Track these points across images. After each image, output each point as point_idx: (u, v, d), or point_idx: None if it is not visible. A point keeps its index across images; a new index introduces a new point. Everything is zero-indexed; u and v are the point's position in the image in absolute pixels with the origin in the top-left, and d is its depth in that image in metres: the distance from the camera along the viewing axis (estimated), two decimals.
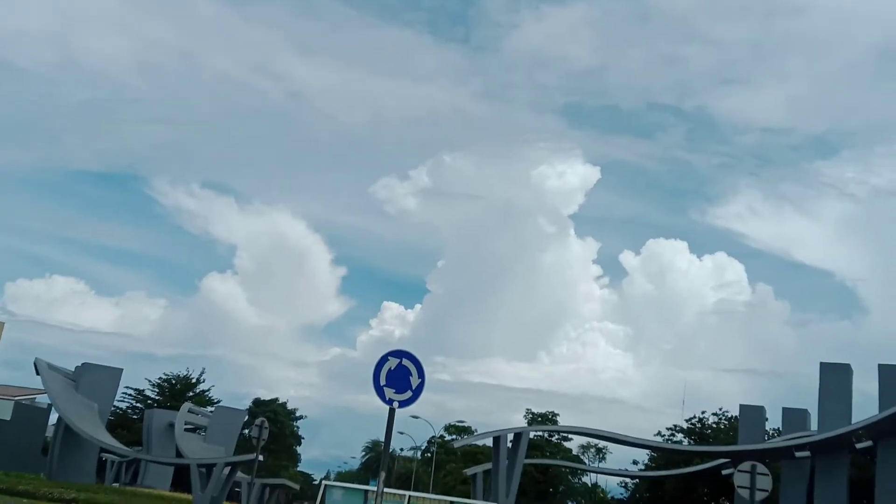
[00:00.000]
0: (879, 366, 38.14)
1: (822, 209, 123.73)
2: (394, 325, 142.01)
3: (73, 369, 61.26)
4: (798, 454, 39.61)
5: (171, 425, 61.74)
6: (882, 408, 36.50)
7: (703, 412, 62.61)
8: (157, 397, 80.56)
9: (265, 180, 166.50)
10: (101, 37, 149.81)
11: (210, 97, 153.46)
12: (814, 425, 40.89)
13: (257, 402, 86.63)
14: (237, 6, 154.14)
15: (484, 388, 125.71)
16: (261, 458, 39.46)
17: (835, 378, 39.35)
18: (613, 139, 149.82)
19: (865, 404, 38.64)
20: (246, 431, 63.70)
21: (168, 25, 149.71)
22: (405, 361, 12.76)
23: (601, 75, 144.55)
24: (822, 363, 40.21)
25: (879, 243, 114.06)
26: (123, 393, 74.88)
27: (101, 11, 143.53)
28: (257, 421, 38.17)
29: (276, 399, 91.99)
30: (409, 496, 23.06)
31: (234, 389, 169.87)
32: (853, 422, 37.75)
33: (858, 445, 38.13)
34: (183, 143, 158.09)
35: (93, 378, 60.73)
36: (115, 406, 68.94)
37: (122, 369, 64.11)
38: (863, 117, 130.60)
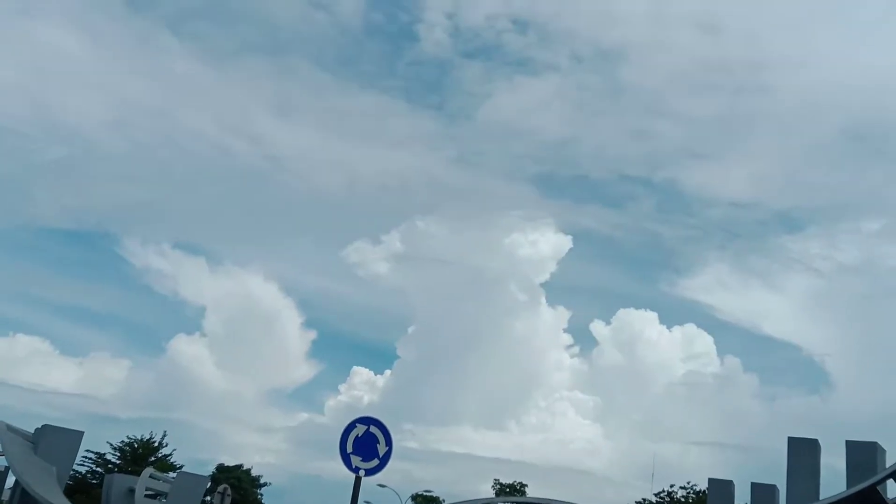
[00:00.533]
0: (847, 442, 38.14)
1: (788, 283, 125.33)
2: (363, 390, 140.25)
3: (32, 431, 60.01)
4: None
5: (132, 491, 60.35)
6: (849, 484, 36.40)
7: (671, 485, 62.25)
8: (118, 461, 78.79)
9: (237, 241, 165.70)
10: (75, 93, 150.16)
11: (184, 156, 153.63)
12: (783, 500, 40.68)
13: (220, 469, 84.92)
14: (214, 66, 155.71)
15: (452, 457, 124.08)
16: None
17: (802, 453, 39.30)
18: (585, 208, 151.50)
19: (833, 480, 38.57)
20: (208, 498, 62.27)
21: (143, 83, 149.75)
22: (372, 428, 12.60)
23: (573, 146, 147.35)
24: (790, 438, 40.18)
25: (845, 318, 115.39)
26: (83, 456, 72.92)
27: (76, 67, 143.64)
28: (220, 488, 37.61)
29: (241, 465, 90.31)
30: None
31: (197, 455, 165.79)
32: (821, 497, 37.62)
33: None
34: (155, 202, 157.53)
35: (53, 441, 59.41)
36: (74, 470, 67.14)
37: (83, 432, 62.72)
38: (828, 195, 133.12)
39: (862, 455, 36.75)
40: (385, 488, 62.23)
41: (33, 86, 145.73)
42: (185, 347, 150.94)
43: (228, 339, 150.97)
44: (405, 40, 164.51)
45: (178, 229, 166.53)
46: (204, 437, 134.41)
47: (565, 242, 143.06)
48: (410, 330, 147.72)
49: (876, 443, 37.10)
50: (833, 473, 38.58)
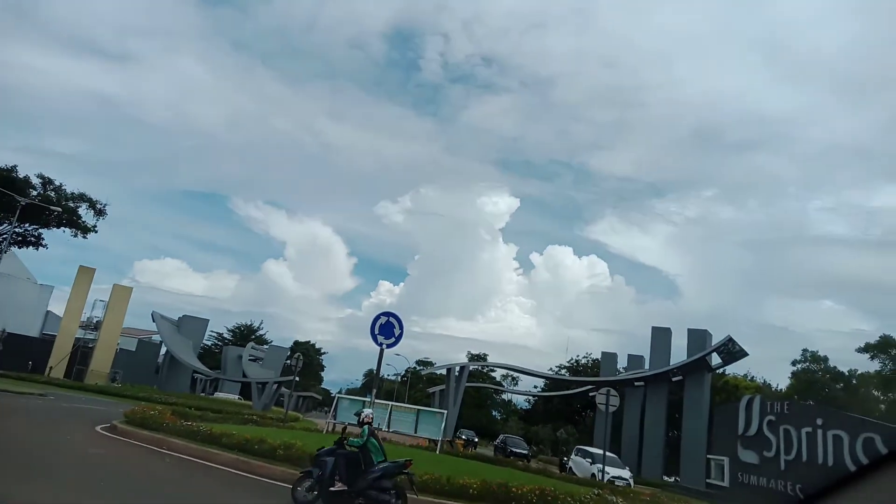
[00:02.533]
0: (688, 329, 38.72)
1: (654, 230, 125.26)
2: (386, 296, 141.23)
3: (176, 319, 60.22)
4: (636, 384, 40.05)
5: (240, 357, 61.03)
6: (689, 355, 37.10)
7: (578, 355, 63.31)
8: (231, 338, 79.44)
9: (306, 201, 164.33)
10: (202, 103, 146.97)
11: (271, 145, 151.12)
12: (647, 365, 41.37)
13: (296, 343, 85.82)
14: (291, 86, 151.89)
15: (441, 338, 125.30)
16: (297, 379, 39.20)
17: (660, 336, 39.85)
18: (528, 181, 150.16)
19: (679, 353, 39.21)
20: (288, 362, 63.16)
21: (246, 97, 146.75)
22: (391, 319, 12.77)
23: (520, 141, 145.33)
24: (653, 327, 40.70)
25: (689, 253, 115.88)
26: (209, 335, 73.67)
27: (201, 86, 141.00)
28: (295, 355, 37.81)
29: (309, 341, 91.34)
30: (392, 405, 22.91)
31: (281, 334, 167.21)
32: (671, 363, 38.30)
33: (674, 379, 38.68)
34: (253, 174, 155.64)
35: (189, 325, 59.66)
36: (203, 343, 67.75)
37: (208, 320, 63.26)
38: (681, 172, 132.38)
39: (697, 338, 37.33)
40: (399, 356, 63.56)
41: (175, 98, 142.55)
42: (273, 267, 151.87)
43: (301, 263, 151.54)
44: (413, 70, 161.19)
45: (267, 192, 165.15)
46: (285, 323, 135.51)
47: (515, 203, 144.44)
48: (416, 258, 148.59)
49: (706, 330, 37.62)
50: (679, 349, 39.29)
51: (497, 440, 39.94)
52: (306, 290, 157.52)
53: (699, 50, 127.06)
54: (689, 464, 32.93)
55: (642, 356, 42.92)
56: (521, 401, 71.54)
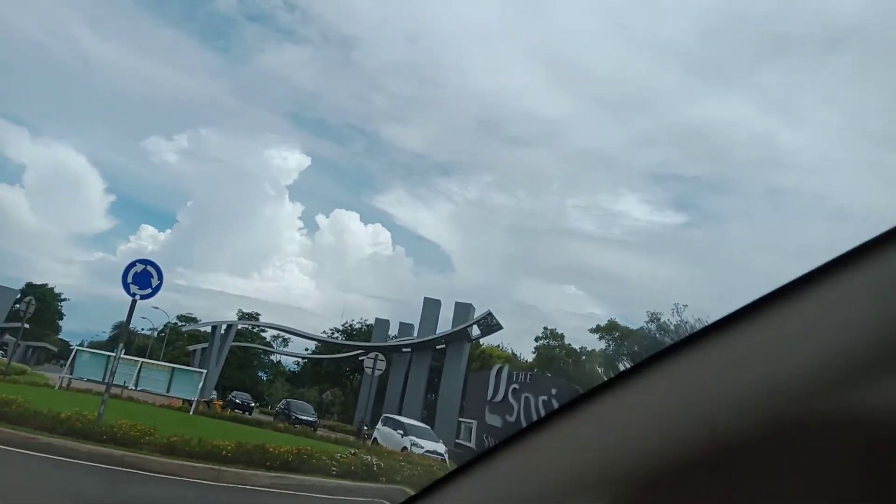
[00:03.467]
0: (456, 303, 41.52)
1: (438, 207, 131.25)
2: (149, 242, 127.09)
3: None
4: (404, 350, 41.98)
5: None
6: (454, 326, 39.84)
7: (352, 320, 63.81)
8: None
9: (56, 121, 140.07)
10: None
11: (11, 46, 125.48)
12: (416, 333, 43.31)
13: (29, 286, 73.48)
14: None
15: (210, 293, 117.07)
16: (26, 326, 33.93)
17: (431, 307, 42.06)
18: (321, 141, 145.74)
19: (445, 324, 41.55)
20: (17, 306, 54.08)
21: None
22: (149, 267, 11.56)
23: (316, 98, 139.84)
24: (424, 298, 42.79)
25: (465, 232, 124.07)
26: None
27: None
28: (26, 299, 32.79)
29: (46, 284, 79.20)
30: (142, 362, 20.95)
31: (9, 273, 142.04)
32: (437, 332, 40.80)
33: (438, 347, 41.24)
34: None
35: None
36: None
37: None
38: (464, 157, 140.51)
39: (462, 310, 40.24)
40: (158, 309, 57.83)
41: None
42: (6, 194, 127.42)
43: (42, 192, 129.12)
44: None
45: (5, 104, 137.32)
46: (15, 261, 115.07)
47: (306, 161, 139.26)
48: (189, 204, 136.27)
49: (471, 304, 40.66)
50: (446, 320, 41.64)
51: (279, 405, 36.56)
52: (47, 224, 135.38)
53: (490, 44, 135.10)
54: (443, 426, 35.48)
55: (412, 324, 44.88)
56: (289, 362, 70.75)
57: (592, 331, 44.74)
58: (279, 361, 74.59)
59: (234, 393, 40.74)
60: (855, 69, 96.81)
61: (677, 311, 40.32)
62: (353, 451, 12.99)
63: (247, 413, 32.01)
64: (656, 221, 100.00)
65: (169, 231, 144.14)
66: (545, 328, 50.59)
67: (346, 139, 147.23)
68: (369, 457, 12.45)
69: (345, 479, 11.29)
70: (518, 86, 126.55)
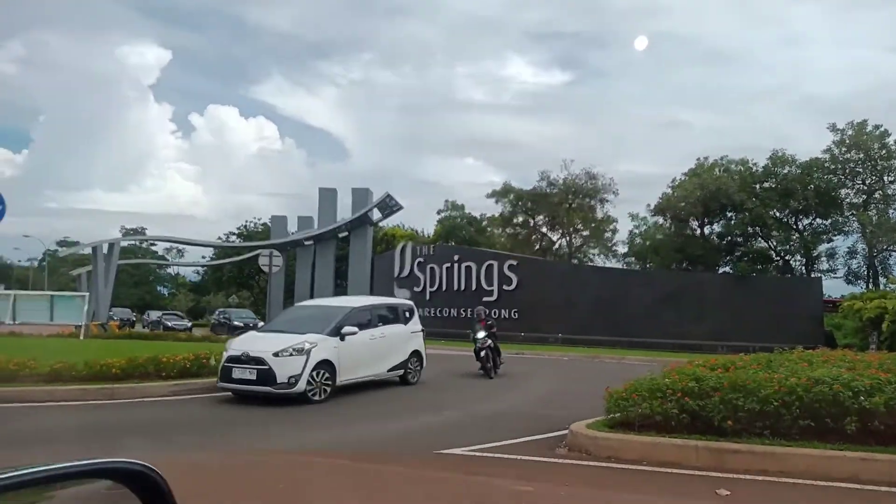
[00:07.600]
0: (353, 189, 40.97)
1: (322, 92, 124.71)
2: (4, 167, 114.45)
3: None
4: (306, 243, 41.62)
5: None
6: (353, 212, 39.79)
7: (248, 221, 61.73)
8: None
9: None
10: None
11: None
12: (315, 225, 42.78)
13: None
14: None
15: (87, 213, 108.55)
16: None
17: (327, 197, 41.30)
18: (177, 31, 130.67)
19: (345, 211, 41.31)
20: None
21: None
22: None
23: None
24: (320, 188, 41.78)
25: (355, 115, 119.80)
26: None
27: None
28: None
29: None
30: (15, 294, 19.63)
31: None
32: (337, 221, 40.63)
33: (341, 235, 41.30)
34: None
35: None
36: None
37: None
38: (340, 35, 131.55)
39: (360, 196, 40.00)
40: (30, 237, 53.29)
41: None
42: None
43: None
44: None
45: None
46: None
47: (166, 56, 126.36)
48: (41, 119, 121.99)
49: (368, 189, 40.39)
50: (346, 207, 41.34)
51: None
52: None
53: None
54: None
55: (311, 217, 44.23)
56: (190, 273, 68.58)
57: (489, 196, 46.15)
58: (178, 274, 72.27)
59: (112, 311, 39.50)
60: None
61: (565, 166, 42.48)
62: None
63: (128, 328, 31.28)
64: (543, 82, 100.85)
65: (25, 151, 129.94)
66: (447, 201, 51.90)
67: (205, 26, 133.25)
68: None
69: None
70: None
